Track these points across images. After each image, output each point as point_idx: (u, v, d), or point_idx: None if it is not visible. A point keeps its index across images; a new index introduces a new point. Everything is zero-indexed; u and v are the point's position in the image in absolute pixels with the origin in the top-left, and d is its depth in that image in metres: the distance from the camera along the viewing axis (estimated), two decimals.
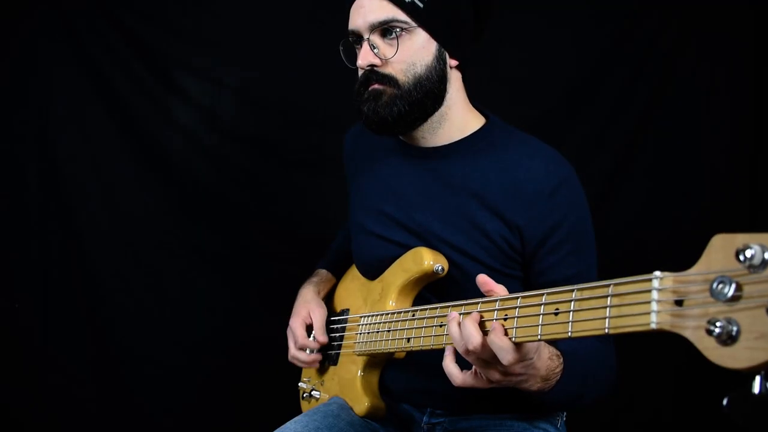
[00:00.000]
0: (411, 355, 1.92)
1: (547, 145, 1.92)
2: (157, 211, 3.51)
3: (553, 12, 3.36)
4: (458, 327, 1.44)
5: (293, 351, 2.17)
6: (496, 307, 1.40)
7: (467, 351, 1.42)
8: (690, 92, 3.27)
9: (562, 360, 1.55)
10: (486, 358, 1.40)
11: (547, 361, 1.49)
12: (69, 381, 3.47)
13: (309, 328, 2.16)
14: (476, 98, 2.03)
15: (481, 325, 1.42)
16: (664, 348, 2.93)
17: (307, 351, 2.15)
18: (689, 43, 3.26)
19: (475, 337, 1.39)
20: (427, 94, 1.86)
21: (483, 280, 1.47)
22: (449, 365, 1.52)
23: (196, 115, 3.51)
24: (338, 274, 2.38)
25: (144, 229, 3.51)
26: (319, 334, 2.11)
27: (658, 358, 3.09)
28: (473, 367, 1.48)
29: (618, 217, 3.30)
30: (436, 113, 1.91)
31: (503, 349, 1.34)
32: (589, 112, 3.35)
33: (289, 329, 2.20)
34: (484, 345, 1.38)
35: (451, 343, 1.49)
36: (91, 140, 3.46)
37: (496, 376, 1.43)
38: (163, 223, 3.52)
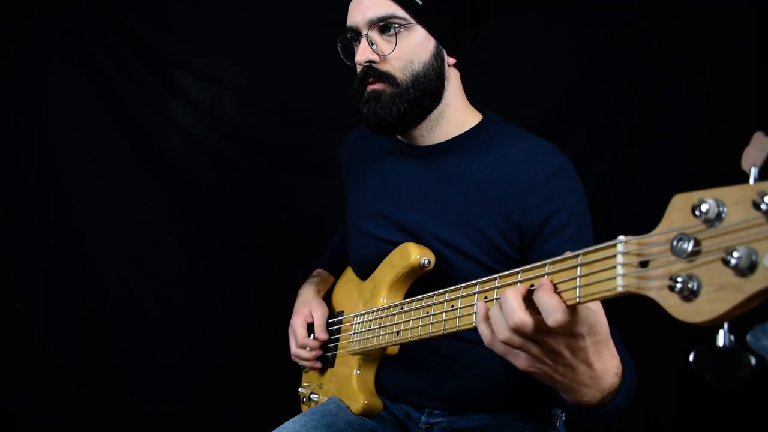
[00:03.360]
0: (409, 355, 1.94)
1: (543, 140, 1.92)
2: (157, 211, 3.52)
3: (554, 12, 3.37)
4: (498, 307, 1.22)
5: (294, 349, 2.20)
6: (477, 290, 1.39)
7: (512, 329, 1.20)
8: (690, 92, 3.27)
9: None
10: (531, 335, 1.20)
11: (609, 365, 1.31)
12: (69, 381, 3.48)
13: (310, 327, 2.18)
14: (477, 98, 2.03)
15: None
16: (663, 348, 2.92)
17: (307, 349, 2.16)
18: (689, 43, 3.26)
19: (517, 313, 1.18)
20: (425, 91, 1.86)
21: None
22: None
23: (196, 115, 3.52)
24: (337, 273, 2.39)
25: (144, 229, 3.52)
26: (319, 332, 2.13)
27: (657, 358, 3.07)
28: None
29: (618, 217, 3.29)
30: (435, 111, 1.91)
31: (550, 306, 1.14)
32: (590, 112, 3.35)
33: (290, 328, 2.22)
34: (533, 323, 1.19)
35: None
36: (91, 140, 3.47)
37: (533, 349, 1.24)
38: (163, 223, 3.53)
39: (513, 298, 1.20)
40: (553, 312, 1.14)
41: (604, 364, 1.29)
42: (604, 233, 2.01)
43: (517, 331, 1.19)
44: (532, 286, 1.22)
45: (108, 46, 3.42)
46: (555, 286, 1.16)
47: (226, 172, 3.53)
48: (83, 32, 3.41)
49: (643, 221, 2.95)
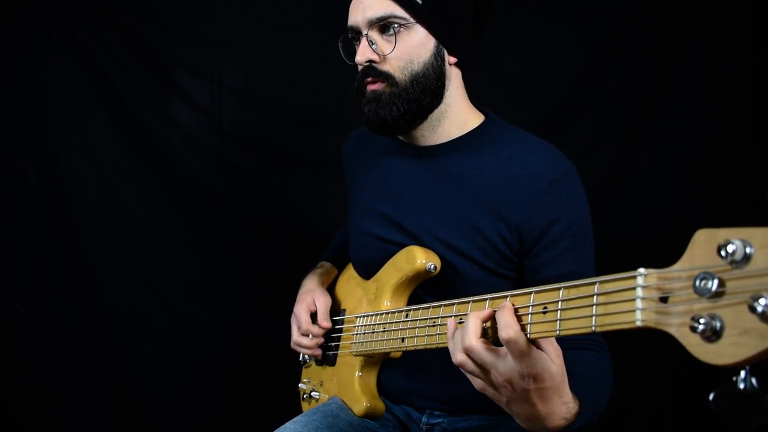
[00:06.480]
0: (409, 356, 1.93)
1: (546, 142, 1.91)
2: (157, 211, 3.51)
3: (552, 12, 3.35)
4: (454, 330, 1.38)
5: (296, 337, 2.19)
6: (486, 307, 1.38)
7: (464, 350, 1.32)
8: (690, 92, 3.26)
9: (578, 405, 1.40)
10: (482, 360, 1.31)
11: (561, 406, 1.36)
12: (69, 381, 3.47)
13: (313, 316, 2.17)
14: (476, 98, 2.02)
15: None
16: (662, 349, 2.92)
17: (310, 336, 2.15)
18: (689, 43, 3.25)
19: (469, 337, 1.31)
20: (424, 91, 1.86)
21: None
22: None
23: (196, 115, 3.50)
24: (340, 266, 2.39)
25: (144, 229, 3.50)
26: (322, 320, 2.12)
27: (655, 359, 3.07)
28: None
29: (618, 217, 3.29)
30: (436, 111, 1.91)
31: (509, 325, 1.25)
32: (589, 113, 3.34)
33: (293, 315, 2.21)
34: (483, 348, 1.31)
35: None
36: (91, 140, 3.46)
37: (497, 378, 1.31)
38: (162, 223, 3.51)
39: (473, 322, 1.33)
40: (506, 327, 1.25)
41: (550, 410, 1.34)
42: (604, 234, 2.02)
43: (468, 353, 1.32)
44: (545, 308, 1.23)
45: (108, 46, 3.40)
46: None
47: (225, 171, 3.51)
48: (83, 32, 3.38)
49: (643, 222, 2.96)
